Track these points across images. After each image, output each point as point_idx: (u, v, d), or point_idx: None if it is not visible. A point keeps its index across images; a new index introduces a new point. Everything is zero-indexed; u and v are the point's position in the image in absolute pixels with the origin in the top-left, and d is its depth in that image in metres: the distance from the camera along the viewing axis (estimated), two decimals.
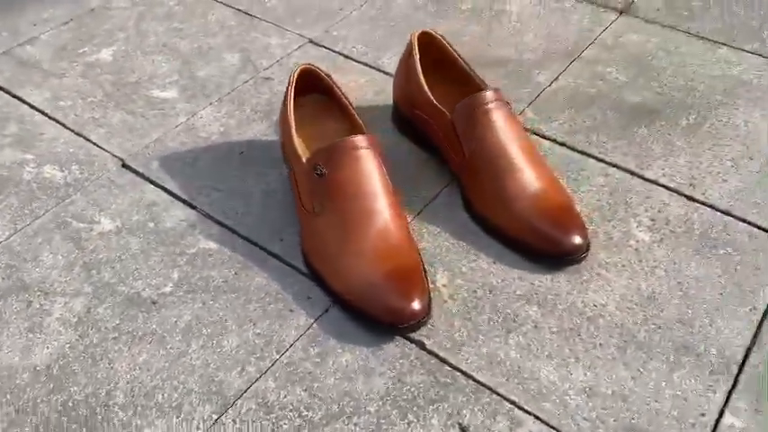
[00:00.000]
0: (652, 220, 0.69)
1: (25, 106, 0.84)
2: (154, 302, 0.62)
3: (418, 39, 0.73)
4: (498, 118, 0.67)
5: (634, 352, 0.58)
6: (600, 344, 0.59)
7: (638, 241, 0.67)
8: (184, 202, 0.71)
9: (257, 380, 0.56)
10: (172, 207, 0.71)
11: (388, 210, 0.62)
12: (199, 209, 0.71)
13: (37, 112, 0.83)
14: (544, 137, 0.79)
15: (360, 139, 0.62)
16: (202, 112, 0.82)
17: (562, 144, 0.78)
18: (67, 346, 0.59)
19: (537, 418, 0.54)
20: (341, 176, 0.61)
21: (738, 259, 0.65)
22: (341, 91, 0.72)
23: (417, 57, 0.72)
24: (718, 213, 0.70)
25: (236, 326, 0.60)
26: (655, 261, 0.65)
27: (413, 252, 0.62)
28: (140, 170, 0.75)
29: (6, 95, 0.85)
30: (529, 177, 0.65)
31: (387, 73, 0.88)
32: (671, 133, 0.79)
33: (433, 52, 0.75)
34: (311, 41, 0.94)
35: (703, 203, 0.71)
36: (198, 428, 0.53)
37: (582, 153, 0.77)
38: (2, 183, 0.74)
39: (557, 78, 0.87)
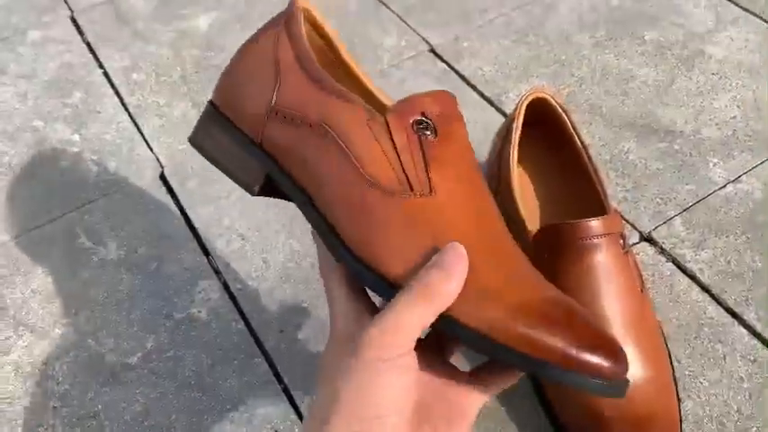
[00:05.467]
0: None
1: (99, 72, 0.76)
2: (113, 374, 0.52)
3: (528, 106, 0.52)
4: (603, 263, 0.45)
5: None
6: None
7: None
8: (201, 244, 0.60)
9: None
10: (184, 247, 0.59)
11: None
12: (211, 258, 0.59)
13: (107, 82, 0.75)
14: (684, 270, 0.55)
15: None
16: None
17: (704, 289, 0.54)
18: (6, 400, 0.51)
19: None
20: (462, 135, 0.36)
21: None
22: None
23: (516, 139, 0.51)
24: None
25: None
26: None
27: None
28: (174, 186, 0.64)
29: (89, 55, 0.78)
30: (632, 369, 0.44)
31: (505, 114, 0.67)
32: None
33: (544, 127, 0.54)
34: (433, 51, 0.75)
35: None
36: None
37: (731, 314, 0.53)
38: (39, 165, 0.67)
39: (738, 178, 0.61)
